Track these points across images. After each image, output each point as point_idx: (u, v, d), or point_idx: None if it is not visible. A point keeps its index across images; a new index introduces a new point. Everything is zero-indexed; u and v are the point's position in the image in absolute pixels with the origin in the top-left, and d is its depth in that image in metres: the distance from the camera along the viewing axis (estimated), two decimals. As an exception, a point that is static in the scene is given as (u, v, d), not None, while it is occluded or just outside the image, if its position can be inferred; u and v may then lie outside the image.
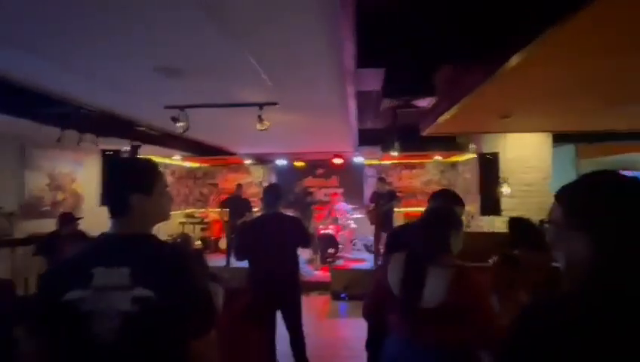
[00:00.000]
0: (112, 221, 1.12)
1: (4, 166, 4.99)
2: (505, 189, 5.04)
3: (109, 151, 4.79)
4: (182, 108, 3.46)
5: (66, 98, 3.40)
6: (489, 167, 5.17)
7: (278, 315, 3.07)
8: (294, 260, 3.14)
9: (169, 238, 7.94)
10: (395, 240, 2.34)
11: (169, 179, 8.94)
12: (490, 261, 2.36)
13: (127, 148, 4.66)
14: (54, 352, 1.02)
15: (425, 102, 3.17)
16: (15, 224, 4.78)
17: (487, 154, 5.26)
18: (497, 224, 5.22)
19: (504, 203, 5.15)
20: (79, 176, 6.25)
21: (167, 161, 8.55)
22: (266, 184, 9.46)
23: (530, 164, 5.57)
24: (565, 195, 0.80)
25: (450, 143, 6.78)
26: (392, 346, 1.60)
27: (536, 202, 5.33)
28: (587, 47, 2.19)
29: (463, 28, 2.71)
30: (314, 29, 2.02)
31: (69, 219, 3.78)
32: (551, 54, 2.33)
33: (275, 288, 2.95)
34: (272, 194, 3.07)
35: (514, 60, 2.32)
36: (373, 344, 2.02)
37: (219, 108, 3.57)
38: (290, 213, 6.93)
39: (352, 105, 3.39)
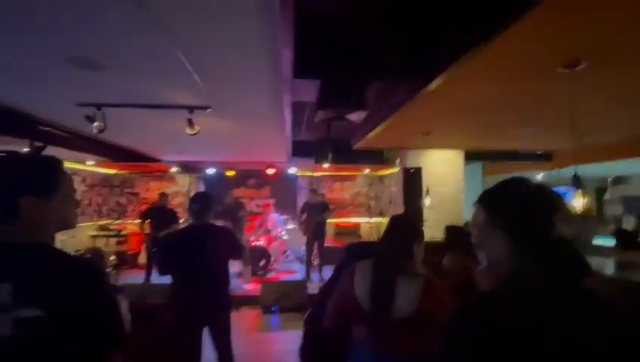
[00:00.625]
0: None
1: None
2: (426, 201, 5.45)
3: (3, 152, 4.10)
4: (99, 106, 3.10)
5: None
6: (412, 181, 5.57)
7: (205, 334, 2.87)
8: (225, 274, 2.97)
9: (77, 253, 7.02)
10: (354, 253, 2.31)
11: (79, 187, 7.93)
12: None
13: (27, 149, 4.02)
14: None
15: (355, 116, 3.29)
16: None
17: (411, 168, 5.67)
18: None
19: (424, 214, 5.57)
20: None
21: (77, 166, 7.61)
22: (193, 194, 8.94)
23: (445, 178, 6.12)
24: (486, 199, 0.88)
25: (378, 157, 7.17)
26: (359, 359, 1.56)
27: (450, 213, 5.86)
28: (495, 74, 2.51)
29: (393, 45, 2.91)
30: (252, 32, 1.98)
31: None
32: (466, 79, 2.62)
33: (204, 305, 2.76)
34: (200, 202, 2.89)
35: (436, 82, 2.56)
36: (321, 357, 1.95)
37: (143, 109, 3.28)
38: (219, 224, 6.65)
39: (288, 114, 3.39)
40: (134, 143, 5.63)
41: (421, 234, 1.67)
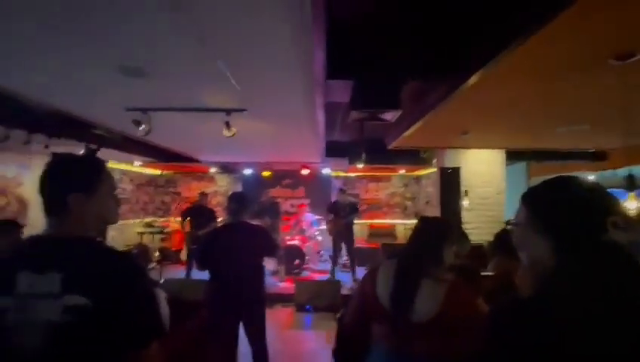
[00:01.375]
0: (47, 221, 1.02)
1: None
2: (465, 202, 5.27)
3: (55, 154, 4.47)
4: (144, 110, 3.31)
5: (13, 94, 3.15)
6: (450, 181, 5.40)
7: (241, 329, 2.96)
8: (260, 271, 3.06)
9: (126, 248, 7.52)
10: (390, 255, 2.25)
11: (128, 186, 8.49)
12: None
13: (82, 151, 4.37)
14: None
15: (389, 116, 3.25)
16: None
17: (448, 168, 5.49)
18: (457, 236, 5.41)
19: (463, 215, 5.38)
20: (26, 180, 5.78)
21: (126, 167, 8.15)
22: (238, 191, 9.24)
23: (485, 178, 5.87)
24: (530, 197, 0.85)
25: (414, 157, 7.02)
26: (378, 357, 1.56)
27: (490, 215, 5.61)
28: (538, 68, 2.37)
29: (428, 44, 2.85)
30: (285, 36, 2.03)
31: (4, 227, 3.45)
32: (505, 76, 2.51)
33: (239, 301, 2.85)
34: (236, 201, 2.99)
35: (473, 80, 2.48)
36: (345, 354, 1.96)
37: (184, 113, 3.46)
38: (255, 223, 6.82)
39: (321, 115, 3.43)
40: (176, 145, 5.94)
41: (452, 236, 1.63)
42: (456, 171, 5.39)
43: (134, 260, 1.04)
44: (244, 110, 3.38)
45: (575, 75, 2.45)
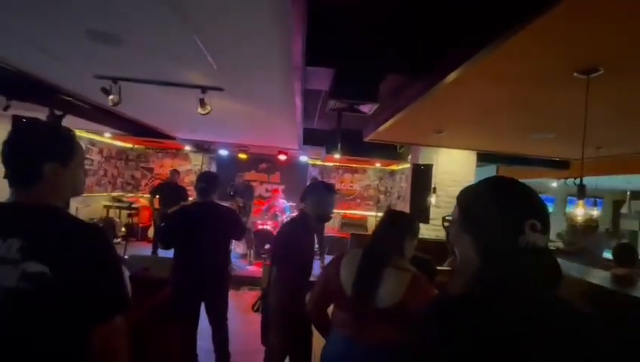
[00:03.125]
0: (12, 189, 0.98)
1: None
2: (432, 199, 5.42)
3: (25, 118, 4.23)
4: (115, 80, 3.17)
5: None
6: (421, 177, 5.52)
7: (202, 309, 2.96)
8: (226, 252, 3.06)
9: (91, 221, 7.28)
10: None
11: (96, 157, 8.17)
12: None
13: (46, 116, 4.16)
14: None
15: (367, 108, 3.28)
16: None
17: (422, 164, 5.61)
18: (423, 231, 5.59)
19: (431, 212, 5.54)
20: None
21: (95, 137, 7.82)
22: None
23: (456, 178, 6.05)
24: (462, 197, 0.87)
25: (390, 152, 7.12)
26: (335, 343, 1.60)
27: (457, 212, 5.80)
28: (508, 75, 2.45)
29: (407, 40, 2.88)
30: (265, 19, 2.00)
31: None
32: (477, 79, 2.58)
33: (202, 281, 2.85)
34: (205, 181, 2.95)
35: (447, 80, 2.52)
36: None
37: (158, 86, 3.34)
38: (227, 204, 6.76)
39: (299, 102, 3.40)
40: (149, 119, 5.75)
41: (414, 231, 1.70)
42: (428, 168, 5.51)
43: (101, 232, 1.02)
44: (221, 89, 3.31)
45: (541, 86, 2.55)
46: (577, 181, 2.57)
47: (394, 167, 9.29)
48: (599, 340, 0.71)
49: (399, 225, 1.67)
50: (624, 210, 9.28)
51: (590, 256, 5.29)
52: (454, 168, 6.12)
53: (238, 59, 2.67)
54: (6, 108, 4.02)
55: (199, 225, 2.85)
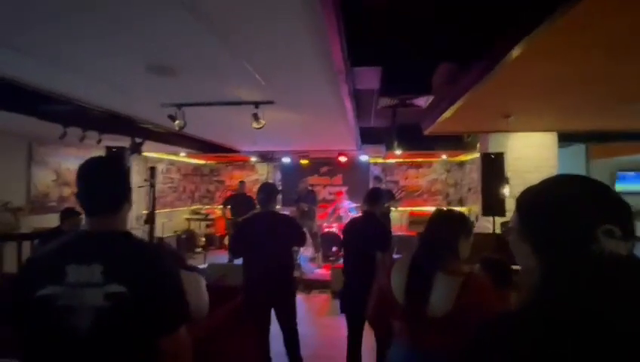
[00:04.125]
0: (90, 219, 1.14)
1: (12, 163, 5.12)
2: (506, 190, 4.94)
3: (114, 147, 4.85)
4: (178, 106, 3.48)
5: (66, 97, 3.46)
6: (492, 167, 5.06)
7: (273, 314, 3.07)
8: (288, 259, 3.13)
9: (175, 234, 8.06)
10: None
11: (176, 175, 9.03)
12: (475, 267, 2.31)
13: (129, 144, 4.72)
14: (31, 344, 1.06)
15: (422, 101, 3.11)
16: (22, 219, 4.91)
17: (491, 153, 5.16)
18: (500, 225, 5.12)
19: (508, 203, 5.05)
20: (85, 172, 6.35)
21: (173, 157, 8.65)
22: (271, 181, 9.51)
23: (534, 164, 5.46)
24: (521, 201, 0.76)
25: (456, 142, 6.69)
26: (396, 353, 1.57)
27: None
28: (587, 41, 2.10)
29: (460, 25, 2.66)
30: (302, 28, 2.01)
31: (70, 214, 3.85)
32: (549, 49, 2.24)
33: (269, 286, 2.95)
34: (265, 192, 3.07)
35: (511, 55, 2.23)
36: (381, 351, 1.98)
37: (215, 107, 3.58)
38: (293, 210, 6.97)
39: (349, 104, 3.36)
40: (214, 137, 6.20)
41: (468, 229, 1.57)
42: (499, 156, 5.03)
43: (165, 252, 1.14)
44: (272, 102, 3.42)
45: (622, 53, 2.15)
46: None
47: (462, 158, 8.71)
48: None
49: (450, 224, 1.55)
50: None
51: None
52: (531, 153, 5.52)
53: (283, 72, 2.74)
54: (99, 141, 4.65)
55: (261, 234, 2.97)
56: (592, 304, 0.60)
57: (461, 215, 1.64)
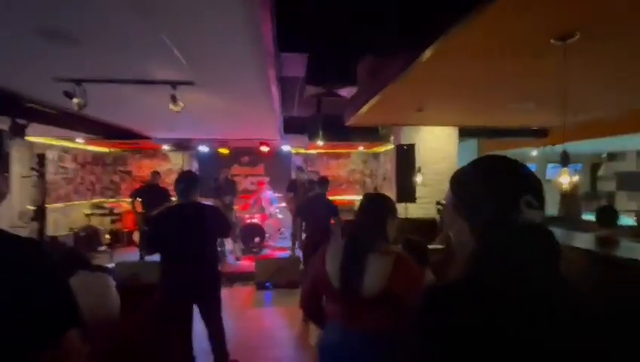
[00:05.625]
0: None
1: None
2: (418, 178, 5.43)
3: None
4: (78, 81, 2.99)
5: None
6: (405, 157, 5.51)
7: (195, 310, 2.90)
8: (213, 252, 2.99)
9: (71, 232, 7.03)
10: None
11: (71, 165, 7.85)
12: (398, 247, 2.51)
13: (9, 126, 3.92)
14: None
15: (346, 92, 3.20)
16: None
17: (404, 145, 5.60)
18: (412, 211, 5.61)
19: (418, 191, 5.56)
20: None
21: (67, 144, 7.49)
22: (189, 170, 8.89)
23: (439, 155, 6.08)
24: (453, 178, 0.84)
25: (372, 134, 7.08)
26: (330, 334, 1.59)
27: (444, 190, 5.82)
28: (484, 48, 2.41)
29: (383, 19, 2.80)
30: (232, 6, 1.87)
31: None
32: (454, 53, 2.53)
33: (191, 283, 2.77)
34: (185, 182, 2.84)
35: (424, 56, 2.46)
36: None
37: (125, 85, 3.17)
38: (212, 202, 6.64)
39: (275, 90, 3.29)
40: (121, 120, 5.52)
41: (394, 211, 1.67)
42: (411, 148, 5.50)
43: (36, 246, 0.93)
44: (191, 83, 3.16)
45: (519, 55, 2.52)
46: (559, 148, 2.57)
47: (377, 149, 9.29)
48: (598, 318, 0.69)
49: (378, 208, 1.63)
50: (601, 172, 9.56)
51: (569, 219, 5.42)
52: (437, 145, 6.15)
53: (206, 50, 2.54)
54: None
55: (183, 226, 2.76)
56: (517, 270, 0.69)
57: (387, 198, 1.72)
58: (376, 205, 1.65)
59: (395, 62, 3.04)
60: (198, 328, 2.92)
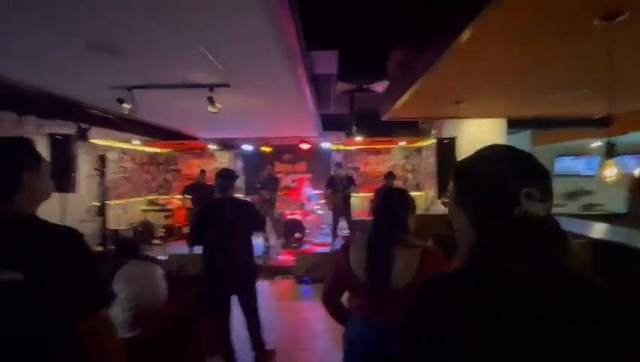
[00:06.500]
0: None
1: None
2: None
3: (58, 135, 4.49)
4: (128, 88, 3.29)
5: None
6: (446, 152, 5.32)
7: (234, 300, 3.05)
8: (248, 245, 3.12)
9: (130, 226, 7.70)
10: None
11: (129, 165, 8.58)
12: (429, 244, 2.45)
13: (75, 131, 4.39)
14: None
15: (380, 87, 3.18)
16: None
17: (445, 139, 5.40)
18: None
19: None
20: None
21: (126, 145, 8.20)
22: (231, 168, 9.30)
23: (485, 148, 5.78)
24: (455, 170, 0.81)
25: (413, 128, 6.92)
26: (355, 328, 1.61)
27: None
28: (523, 33, 2.24)
29: (414, 10, 2.74)
30: (255, 11, 1.96)
31: None
32: (490, 39, 2.37)
33: (230, 273, 2.93)
34: (223, 178, 3.01)
35: (464, 37, 2.29)
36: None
37: (168, 90, 3.42)
38: (255, 197, 6.91)
39: (307, 88, 3.36)
40: (169, 122, 5.93)
41: (413, 206, 1.66)
42: (452, 142, 5.29)
43: (72, 233, 1.06)
44: (227, 85, 3.33)
45: (560, 38, 2.32)
46: (623, 138, 2.34)
47: (420, 144, 9.04)
48: (613, 315, 0.65)
49: (398, 201, 1.63)
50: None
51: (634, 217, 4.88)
52: (482, 138, 5.83)
53: (238, 55, 2.67)
54: (40, 128, 4.29)
55: (219, 220, 2.92)
56: (513, 262, 0.67)
57: (406, 192, 1.72)
58: (396, 200, 1.65)
59: (427, 52, 2.96)
60: (239, 318, 3.08)
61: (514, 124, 6.15)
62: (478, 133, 5.82)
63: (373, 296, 1.52)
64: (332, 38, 2.90)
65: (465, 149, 5.60)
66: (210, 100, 3.36)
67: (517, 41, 2.42)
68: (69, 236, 1.04)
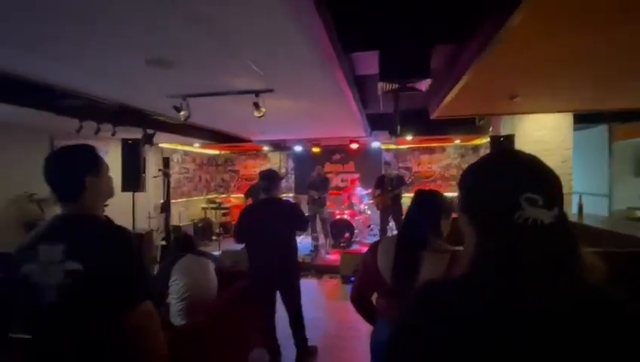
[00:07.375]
0: (60, 204, 1.23)
1: (36, 157, 5.39)
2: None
3: (129, 139, 5.04)
4: (183, 97, 3.59)
5: (78, 92, 3.64)
6: (502, 150, 4.97)
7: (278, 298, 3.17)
8: (291, 244, 3.21)
9: (191, 222, 8.34)
10: None
11: (191, 166, 9.28)
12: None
13: (141, 136, 4.89)
14: (17, 318, 1.18)
15: (422, 85, 3.09)
16: (47, 210, 5.21)
17: (500, 136, 5.06)
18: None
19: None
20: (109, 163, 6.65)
21: (188, 148, 8.88)
22: (283, 170, 9.63)
23: (547, 146, 5.31)
24: (462, 176, 0.79)
25: (469, 126, 6.56)
26: (382, 330, 1.62)
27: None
28: (590, 14, 1.99)
29: (454, 4, 2.62)
30: (289, 19, 2.04)
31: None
32: (551, 17, 2.09)
33: (273, 270, 3.05)
34: (267, 179, 3.14)
35: (509, 27, 2.10)
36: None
37: (218, 97, 3.68)
38: (306, 197, 7.06)
39: (348, 90, 3.37)
40: (223, 126, 6.33)
41: (448, 209, 1.60)
42: (508, 139, 4.93)
43: (124, 234, 1.22)
44: (271, 90, 3.48)
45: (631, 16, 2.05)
46: None
47: (476, 142, 8.53)
48: (628, 332, 0.60)
49: (431, 205, 1.59)
50: None
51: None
52: (544, 135, 5.37)
53: (278, 62, 2.78)
54: (114, 134, 4.86)
55: (264, 220, 3.06)
56: (512, 269, 0.65)
57: (441, 195, 1.67)
58: (430, 202, 1.62)
59: (472, 45, 2.80)
60: (284, 314, 3.19)
61: (584, 119, 5.54)
62: (538, 130, 5.36)
63: (399, 299, 1.51)
64: (372, 37, 2.88)
65: (523, 147, 5.19)
66: (256, 105, 3.54)
67: (579, 28, 2.14)
68: (118, 236, 1.20)
